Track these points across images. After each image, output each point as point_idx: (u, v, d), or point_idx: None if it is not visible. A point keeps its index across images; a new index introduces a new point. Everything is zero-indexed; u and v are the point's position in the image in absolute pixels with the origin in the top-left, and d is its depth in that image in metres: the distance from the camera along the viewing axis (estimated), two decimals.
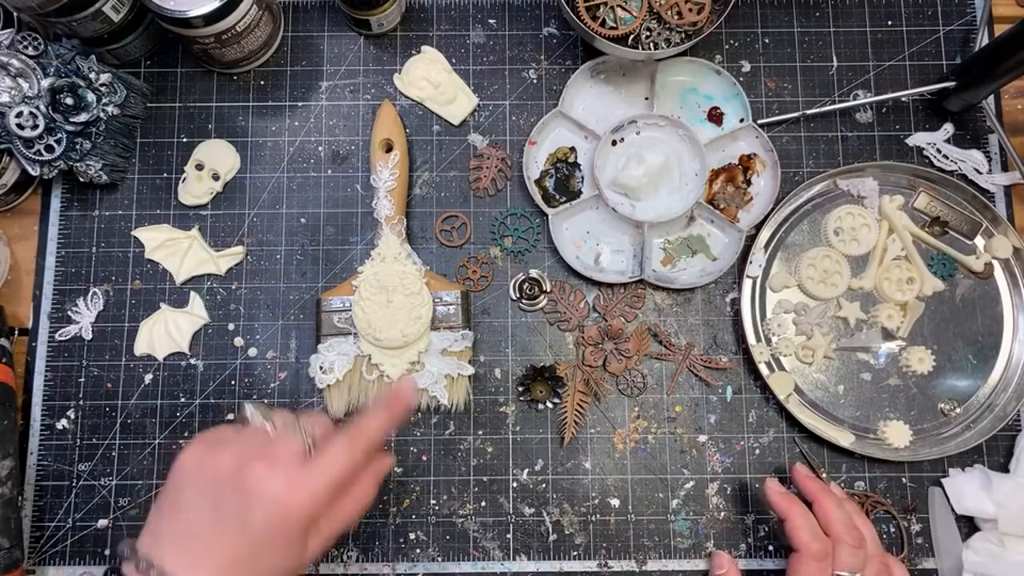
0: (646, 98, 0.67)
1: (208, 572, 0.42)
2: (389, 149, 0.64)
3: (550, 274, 0.66)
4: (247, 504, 0.43)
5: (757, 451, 0.63)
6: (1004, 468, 0.63)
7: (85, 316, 0.64)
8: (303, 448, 0.46)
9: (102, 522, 0.62)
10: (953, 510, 0.61)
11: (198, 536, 0.43)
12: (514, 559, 0.62)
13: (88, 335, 0.64)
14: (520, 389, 0.63)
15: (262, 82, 0.68)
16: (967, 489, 0.61)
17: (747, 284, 0.65)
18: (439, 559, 0.62)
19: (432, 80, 0.67)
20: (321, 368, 0.61)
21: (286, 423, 0.48)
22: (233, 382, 0.64)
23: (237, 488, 0.44)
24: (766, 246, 0.66)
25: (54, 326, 0.64)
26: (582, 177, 0.67)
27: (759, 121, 0.66)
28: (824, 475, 0.62)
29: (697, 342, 0.65)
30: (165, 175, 0.67)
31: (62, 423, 0.63)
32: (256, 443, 0.46)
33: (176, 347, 0.64)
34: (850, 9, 0.70)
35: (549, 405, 0.63)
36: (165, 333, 0.64)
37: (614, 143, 0.66)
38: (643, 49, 0.62)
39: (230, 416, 0.63)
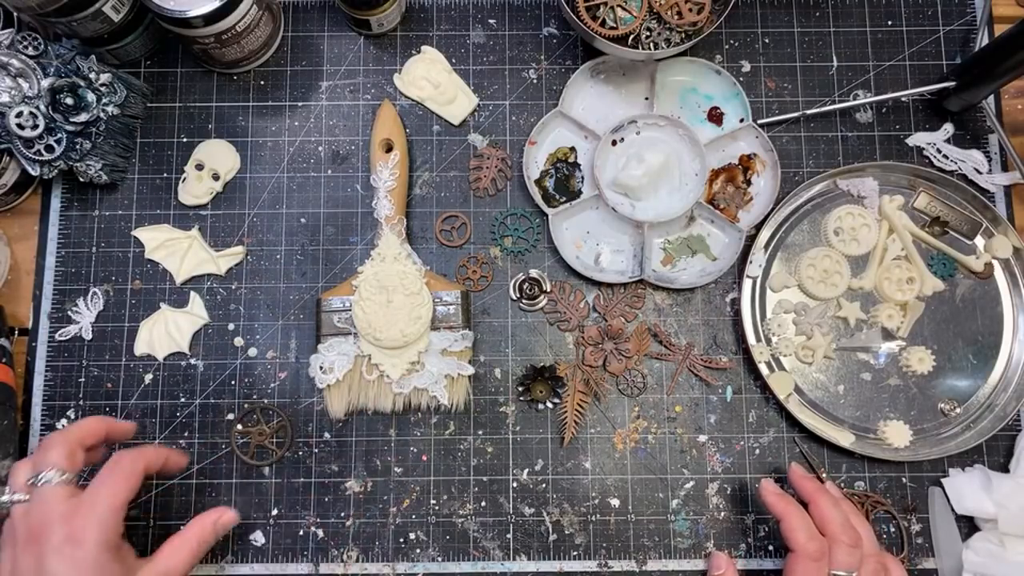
0: (646, 98, 0.67)
1: None
2: (389, 149, 0.64)
3: (550, 274, 0.66)
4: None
5: (757, 451, 0.63)
6: (1004, 468, 0.63)
7: (85, 316, 0.64)
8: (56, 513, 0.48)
9: None
10: (953, 510, 0.61)
11: None
12: (514, 559, 0.62)
13: (88, 335, 0.64)
14: (520, 389, 0.63)
15: (262, 82, 0.68)
16: (967, 489, 0.61)
17: (747, 284, 0.65)
18: (439, 559, 0.62)
19: (432, 80, 0.67)
20: (321, 368, 0.61)
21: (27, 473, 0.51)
22: (233, 382, 0.64)
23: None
24: (766, 246, 0.66)
25: (54, 326, 0.64)
26: (582, 177, 0.67)
27: (759, 121, 0.66)
28: (824, 475, 0.62)
29: (697, 342, 0.65)
30: (165, 175, 0.67)
31: (62, 423, 0.63)
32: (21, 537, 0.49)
33: (176, 347, 0.64)
34: (850, 9, 0.70)
35: (549, 405, 0.63)
36: (165, 333, 0.64)
37: (614, 143, 0.66)
38: (643, 49, 0.62)
39: (230, 416, 0.63)
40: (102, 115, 0.62)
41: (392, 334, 0.60)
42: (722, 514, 0.62)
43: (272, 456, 0.63)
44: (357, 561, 0.62)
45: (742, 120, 0.67)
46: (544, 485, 0.63)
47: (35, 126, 0.59)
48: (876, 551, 0.55)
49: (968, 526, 0.62)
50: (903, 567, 0.56)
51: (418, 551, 0.62)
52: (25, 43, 0.60)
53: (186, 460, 0.58)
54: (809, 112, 0.67)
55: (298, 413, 0.63)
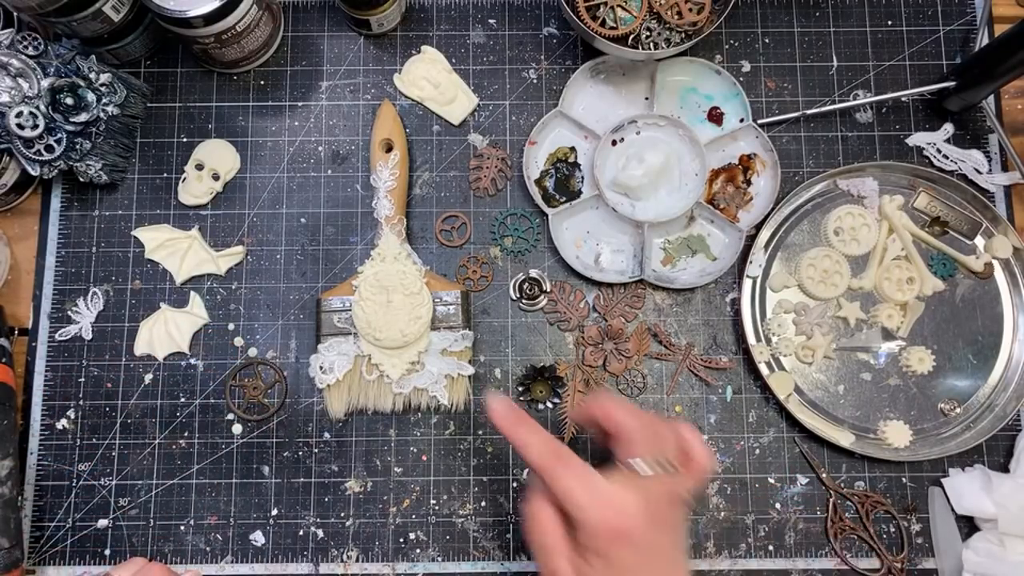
0: (646, 98, 0.67)
1: None
2: (389, 149, 0.64)
3: (550, 274, 0.66)
4: None
5: (757, 451, 0.63)
6: (1004, 468, 0.63)
7: (85, 316, 0.64)
8: None
9: (102, 522, 0.62)
10: (953, 510, 0.61)
11: None
12: (514, 559, 0.62)
13: (88, 335, 0.64)
14: (520, 389, 0.63)
15: (262, 82, 0.68)
16: (967, 489, 0.61)
17: (747, 284, 0.65)
18: (439, 559, 0.62)
19: (432, 80, 0.67)
20: (321, 368, 0.61)
21: None
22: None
23: None
24: (766, 246, 0.66)
25: (54, 326, 0.64)
26: (582, 177, 0.67)
27: (759, 121, 0.66)
28: (825, 475, 0.62)
29: (697, 342, 0.65)
30: (165, 175, 0.67)
31: (62, 423, 0.63)
32: None
33: (176, 347, 0.64)
34: (850, 9, 0.70)
35: (549, 405, 0.63)
36: (165, 333, 0.64)
37: (614, 143, 0.66)
38: (643, 49, 0.62)
39: (230, 416, 0.63)
40: (102, 115, 0.62)
41: (392, 334, 0.60)
42: (722, 514, 0.62)
43: (266, 412, 0.62)
44: (357, 561, 0.62)
45: (742, 120, 0.67)
46: None
47: (35, 126, 0.59)
48: (660, 419, 0.50)
49: (968, 526, 0.62)
50: (693, 427, 0.51)
51: (418, 551, 0.62)
52: (25, 43, 0.60)
53: None
54: (809, 112, 0.67)
55: (298, 413, 0.63)
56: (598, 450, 0.51)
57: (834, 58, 0.69)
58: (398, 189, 0.63)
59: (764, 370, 0.63)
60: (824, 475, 0.62)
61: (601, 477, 0.45)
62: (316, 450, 0.63)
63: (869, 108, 0.68)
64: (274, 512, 0.62)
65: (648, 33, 0.62)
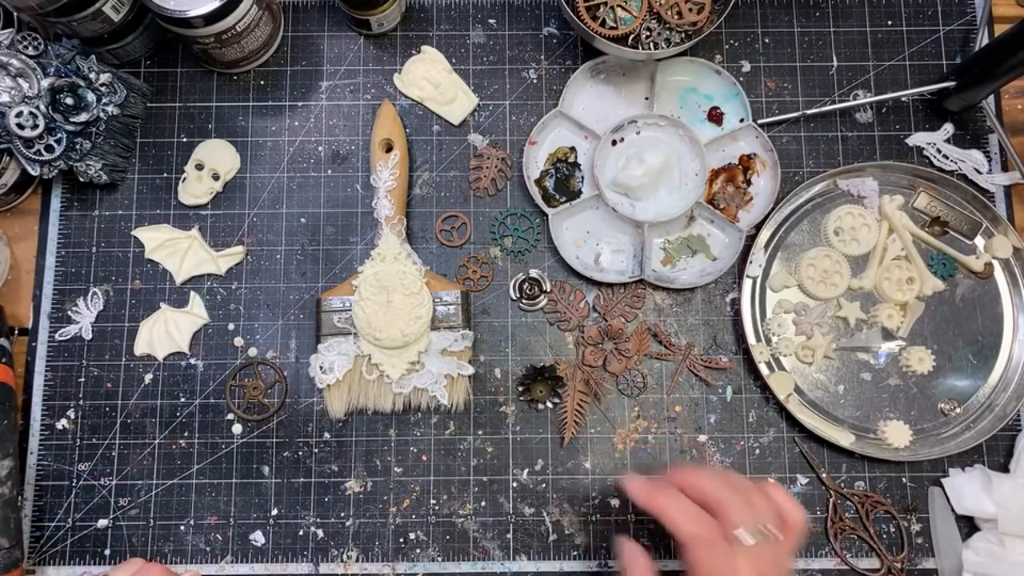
0: (646, 98, 0.67)
1: None
2: (389, 149, 0.64)
3: (550, 274, 0.66)
4: None
5: (757, 451, 0.63)
6: (1004, 468, 0.63)
7: (85, 316, 0.64)
8: None
9: (102, 522, 0.62)
10: (953, 510, 0.61)
11: None
12: (514, 559, 0.62)
13: (88, 335, 0.64)
14: (520, 389, 0.63)
15: (262, 82, 0.68)
16: (967, 489, 0.61)
17: (747, 284, 0.65)
18: (439, 559, 0.62)
19: (432, 80, 0.67)
20: (321, 368, 0.61)
21: None
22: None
23: None
24: (766, 246, 0.66)
25: (54, 326, 0.64)
26: (582, 177, 0.67)
27: (759, 121, 0.66)
28: (825, 475, 0.62)
29: (697, 342, 0.65)
30: (165, 175, 0.67)
31: (62, 423, 0.63)
32: None
33: (176, 347, 0.64)
34: (850, 9, 0.70)
35: (549, 405, 0.63)
36: (165, 333, 0.64)
37: (614, 143, 0.66)
38: (643, 49, 0.62)
39: (229, 416, 0.63)
40: (102, 115, 0.62)
41: (392, 334, 0.60)
42: None
43: (266, 412, 0.63)
44: (357, 561, 0.62)
45: (742, 120, 0.67)
46: (544, 485, 0.63)
47: (35, 126, 0.59)
48: (750, 484, 0.51)
49: (968, 526, 0.62)
50: (778, 484, 0.53)
51: (418, 551, 0.62)
52: (25, 43, 0.60)
53: None
54: (809, 112, 0.67)
55: (298, 413, 0.63)
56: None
57: (834, 58, 0.69)
58: (398, 189, 0.63)
59: (764, 370, 0.63)
60: (824, 475, 0.62)
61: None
62: (316, 450, 0.63)
63: (869, 108, 0.68)
64: (274, 512, 0.62)
65: (648, 33, 0.62)
